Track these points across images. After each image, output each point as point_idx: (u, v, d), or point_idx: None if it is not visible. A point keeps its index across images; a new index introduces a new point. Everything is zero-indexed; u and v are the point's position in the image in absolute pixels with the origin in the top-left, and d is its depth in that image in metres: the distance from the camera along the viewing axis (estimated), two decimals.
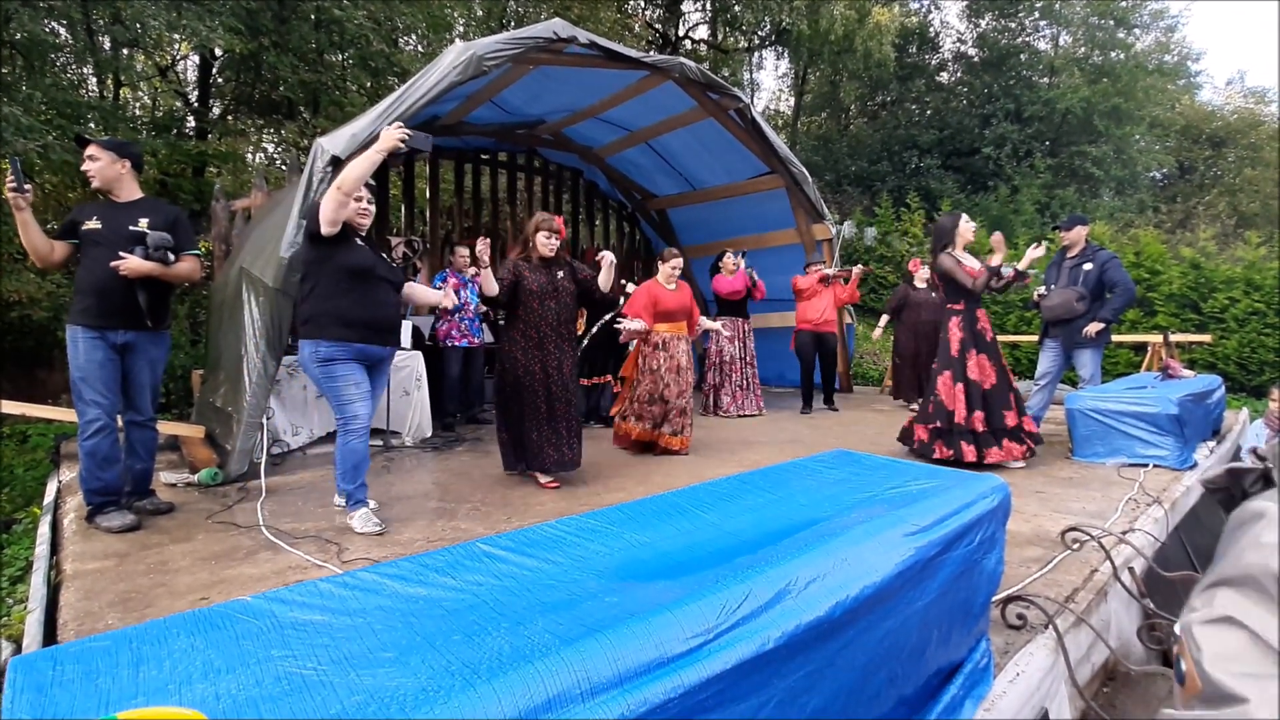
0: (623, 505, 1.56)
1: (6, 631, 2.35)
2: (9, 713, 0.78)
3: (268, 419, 4.06)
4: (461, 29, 11.51)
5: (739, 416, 6.42)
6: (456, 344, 5.66)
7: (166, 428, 4.18)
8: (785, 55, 18.42)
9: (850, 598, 1.14)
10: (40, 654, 0.90)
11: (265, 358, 3.87)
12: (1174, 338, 7.04)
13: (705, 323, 5.85)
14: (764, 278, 6.93)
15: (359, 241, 3.07)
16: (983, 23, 18.53)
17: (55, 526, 3.24)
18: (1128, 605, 2.50)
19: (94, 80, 8.89)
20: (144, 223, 3.06)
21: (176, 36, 7.98)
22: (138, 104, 10.38)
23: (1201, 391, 4.63)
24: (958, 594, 1.49)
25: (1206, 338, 8.26)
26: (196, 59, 9.99)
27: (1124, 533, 2.78)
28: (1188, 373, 5.32)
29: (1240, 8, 36.50)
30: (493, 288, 3.62)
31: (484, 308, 5.93)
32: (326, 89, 8.96)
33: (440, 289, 5.70)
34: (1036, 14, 17.68)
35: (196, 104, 10.01)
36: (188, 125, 9.74)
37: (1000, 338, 5.60)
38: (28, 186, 2.77)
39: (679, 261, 4.84)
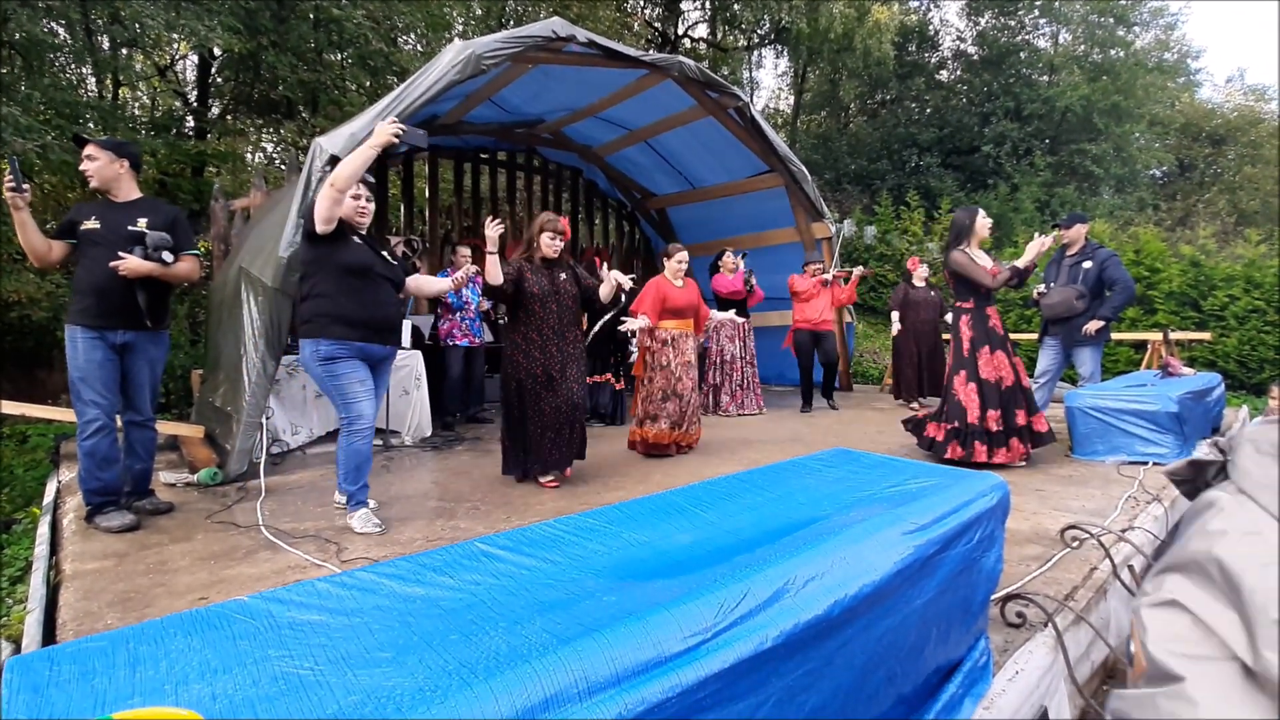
0: (621, 504, 1.56)
1: (6, 632, 2.35)
2: (6, 713, 0.78)
3: (267, 419, 4.06)
4: (460, 28, 11.50)
5: (739, 415, 6.42)
6: (458, 343, 5.65)
7: (166, 428, 4.18)
8: (784, 54, 18.40)
9: (849, 596, 1.14)
10: (37, 654, 0.90)
11: (264, 357, 3.87)
12: (1174, 335, 7.04)
13: (718, 315, 5.83)
14: (763, 276, 6.93)
15: (357, 240, 3.05)
16: (982, 21, 18.51)
17: (55, 526, 3.24)
18: (1127, 603, 2.50)
19: (93, 80, 8.88)
20: (143, 223, 3.06)
21: (175, 36, 7.96)
22: (136, 104, 10.37)
23: (1201, 389, 4.63)
24: (957, 592, 1.49)
25: (1206, 335, 8.25)
26: (195, 59, 9.98)
27: (1124, 530, 2.78)
28: (1187, 370, 5.32)
29: (1240, 6, 36.45)
30: (497, 276, 3.53)
31: (485, 306, 5.93)
32: (325, 88, 8.95)
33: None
34: (1036, 12, 17.66)
35: (195, 104, 10.00)
36: (187, 125, 9.73)
37: None
38: (26, 186, 2.77)
39: (684, 255, 4.76)
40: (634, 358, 7.42)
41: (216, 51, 8.86)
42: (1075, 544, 2.57)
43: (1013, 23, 18.07)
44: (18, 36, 6.11)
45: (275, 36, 8.16)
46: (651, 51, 6.97)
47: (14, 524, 3.92)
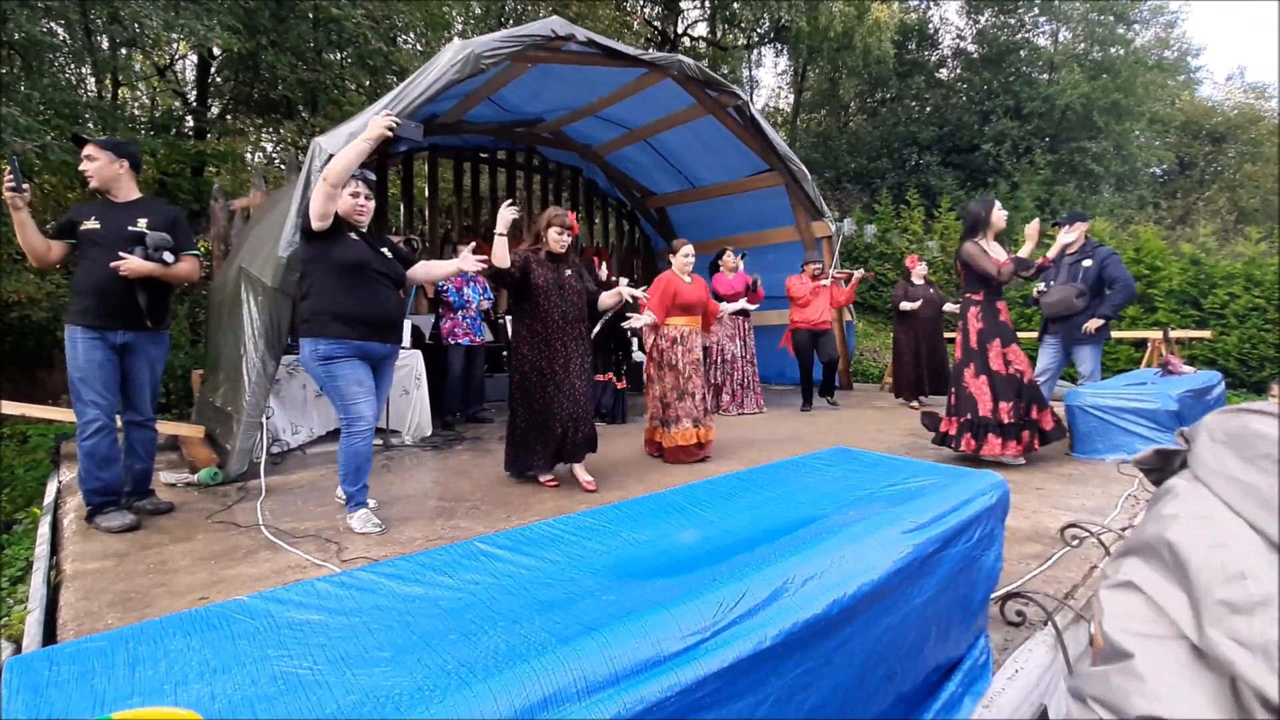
0: (620, 504, 1.56)
1: (6, 632, 2.35)
2: (5, 713, 0.78)
3: (267, 418, 4.06)
4: (460, 27, 11.49)
5: (739, 415, 6.42)
6: (459, 341, 5.65)
7: (166, 428, 4.18)
8: (784, 52, 18.38)
9: (848, 595, 1.14)
10: (36, 654, 0.90)
11: (264, 357, 3.87)
12: (1174, 334, 7.03)
13: (728, 307, 5.77)
14: (763, 274, 6.93)
15: (354, 237, 3.01)
16: (982, 19, 18.49)
17: (55, 527, 3.24)
18: None
19: (92, 80, 8.87)
20: (143, 223, 3.06)
21: (174, 36, 7.96)
22: (136, 104, 10.37)
23: (1201, 388, 4.63)
24: (956, 591, 1.49)
25: (1206, 334, 8.25)
26: (195, 58, 9.98)
27: (1123, 529, 2.78)
28: (1188, 369, 5.31)
29: (1240, 4, 36.41)
30: (504, 259, 3.43)
31: (485, 306, 5.93)
32: (325, 88, 8.95)
33: (442, 286, 5.73)
34: (1036, 10, 17.64)
35: (195, 103, 10.00)
36: (186, 125, 9.73)
37: None
38: (25, 186, 2.77)
39: (690, 248, 4.64)
40: (636, 355, 7.44)
41: (216, 51, 8.86)
42: (1075, 542, 2.57)
43: (1012, 21, 18.06)
44: (17, 36, 6.11)
45: (274, 36, 8.16)
46: (651, 50, 6.97)
47: (15, 524, 3.92)
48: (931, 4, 19.28)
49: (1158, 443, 3.25)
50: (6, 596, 2.82)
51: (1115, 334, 7.68)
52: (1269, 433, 0.42)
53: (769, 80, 31.28)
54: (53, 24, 6.96)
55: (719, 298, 6.53)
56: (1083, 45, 17.47)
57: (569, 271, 3.75)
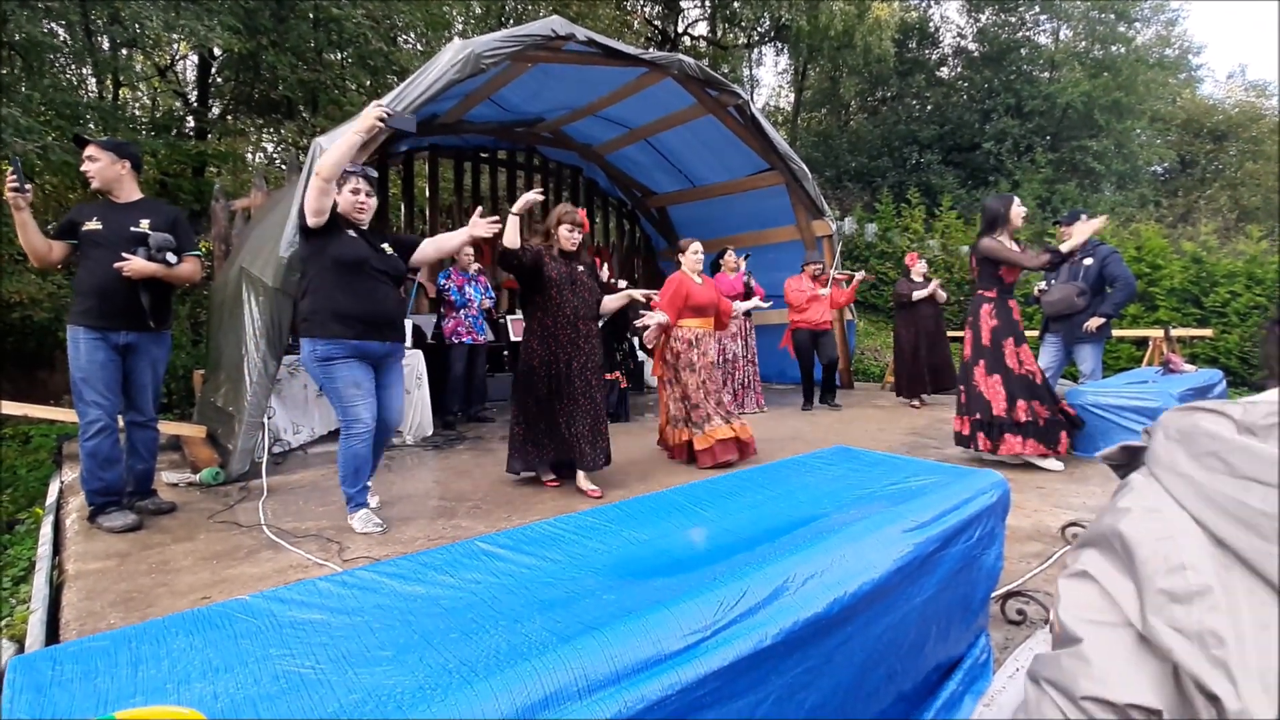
0: (621, 503, 1.56)
1: (9, 631, 2.36)
2: (8, 713, 0.78)
3: (269, 418, 4.07)
4: (460, 27, 11.50)
5: (740, 414, 6.41)
6: (463, 340, 5.66)
7: (168, 428, 4.18)
8: (785, 51, 18.37)
9: (848, 594, 1.14)
10: (39, 654, 0.91)
11: (265, 357, 3.88)
12: (1175, 332, 7.03)
13: (741, 305, 5.69)
14: (764, 274, 6.92)
15: (352, 234, 2.96)
16: (983, 17, 18.48)
17: (58, 527, 3.25)
18: None
19: (93, 80, 8.89)
20: (145, 224, 3.06)
21: (175, 36, 7.97)
22: (137, 104, 10.37)
23: (1203, 386, 4.62)
24: (957, 590, 1.49)
25: (1208, 332, 8.24)
26: (195, 59, 9.99)
27: None
28: (1189, 367, 5.31)
29: (1241, 2, 36.34)
30: (515, 240, 3.33)
31: (487, 305, 5.94)
32: (325, 88, 8.95)
33: (444, 285, 5.74)
34: (1036, 8, 17.63)
35: (196, 104, 10.01)
36: (187, 125, 9.74)
37: None
38: (28, 187, 2.77)
39: (699, 246, 4.53)
40: (639, 354, 7.43)
41: (216, 51, 8.87)
42: (1076, 541, 2.57)
43: (1013, 19, 18.05)
44: (17, 37, 6.11)
45: (275, 36, 8.16)
46: (651, 50, 6.97)
47: (17, 524, 3.93)
48: (932, 2, 19.29)
49: None
50: (9, 596, 2.82)
51: (1116, 332, 7.67)
52: (1216, 431, 0.44)
53: (769, 79, 31.28)
54: (53, 25, 6.96)
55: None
56: (1084, 43, 17.46)
57: (581, 268, 3.70)
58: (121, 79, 8.54)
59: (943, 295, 6.82)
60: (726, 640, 0.96)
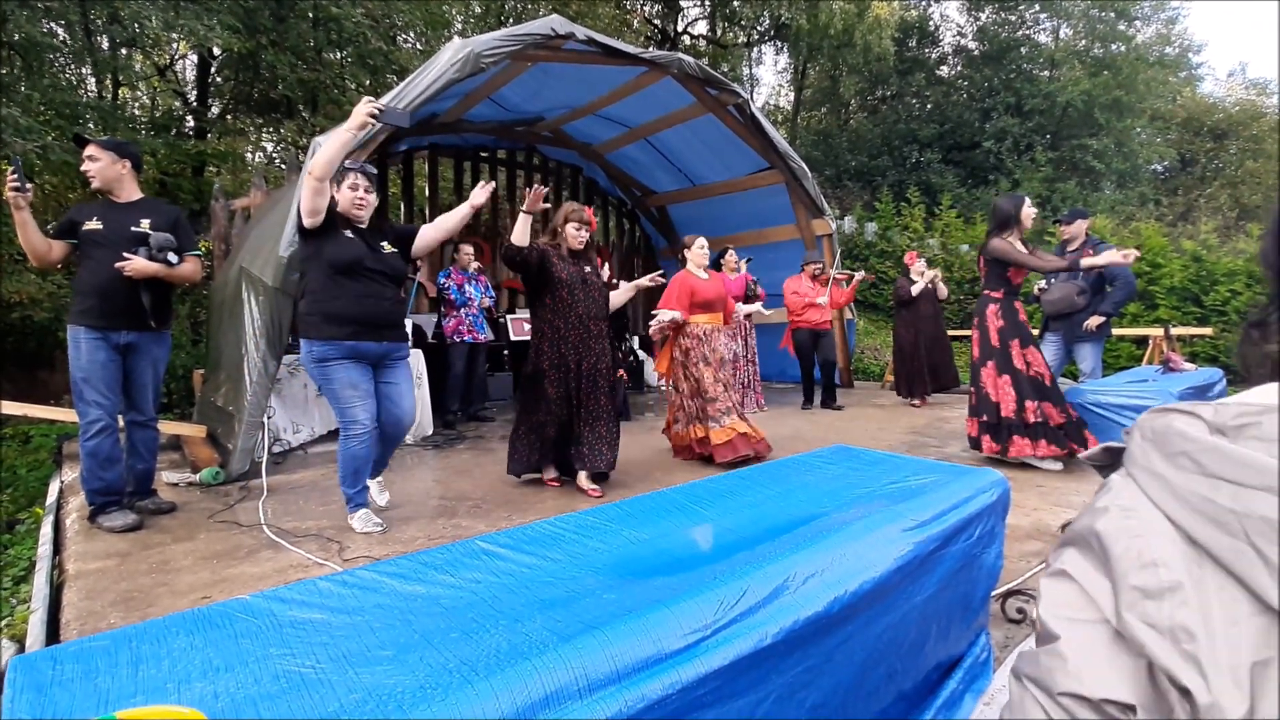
0: (621, 502, 1.56)
1: (10, 631, 2.36)
2: (9, 712, 0.78)
3: (269, 418, 4.07)
4: (459, 26, 11.50)
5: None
6: (464, 339, 5.65)
7: (168, 427, 4.18)
8: (784, 50, 18.36)
9: (849, 593, 1.14)
10: (40, 654, 0.91)
11: (265, 357, 3.88)
12: (1175, 331, 7.03)
13: (744, 308, 5.64)
14: (764, 273, 6.91)
15: (349, 234, 2.92)
16: (983, 16, 18.47)
17: (58, 526, 3.25)
18: None
19: (92, 80, 8.88)
20: (146, 223, 3.06)
21: (174, 36, 7.96)
22: (136, 104, 10.37)
23: (1203, 385, 4.62)
24: (957, 589, 1.49)
25: (1208, 331, 8.23)
26: (195, 58, 9.99)
27: None
28: (1189, 366, 5.31)
29: (1241, 1, 36.30)
30: (524, 238, 3.28)
31: (487, 304, 5.94)
32: (325, 87, 8.95)
33: (444, 284, 5.74)
34: (1037, 7, 17.62)
35: (195, 103, 10.00)
36: (187, 125, 9.73)
37: None
38: (28, 186, 2.77)
39: (704, 240, 4.49)
40: (639, 353, 7.42)
41: (216, 51, 8.86)
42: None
43: (1013, 18, 18.04)
44: (17, 37, 6.11)
45: (274, 35, 8.16)
46: (651, 49, 6.97)
47: (17, 524, 3.93)
48: (932, 1, 19.28)
49: None
50: (9, 596, 2.83)
51: (1116, 331, 7.67)
52: (1188, 431, 0.45)
53: (769, 78, 31.27)
54: (53, 24, 6.96)
55: None
56: (1084, 42, 17.45)
57: (589, 268, 3.65)
58: (121, 79, 8.54)
59: (944, 290, 6.81)
60: (727, 639, 0.96)
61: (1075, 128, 16.40)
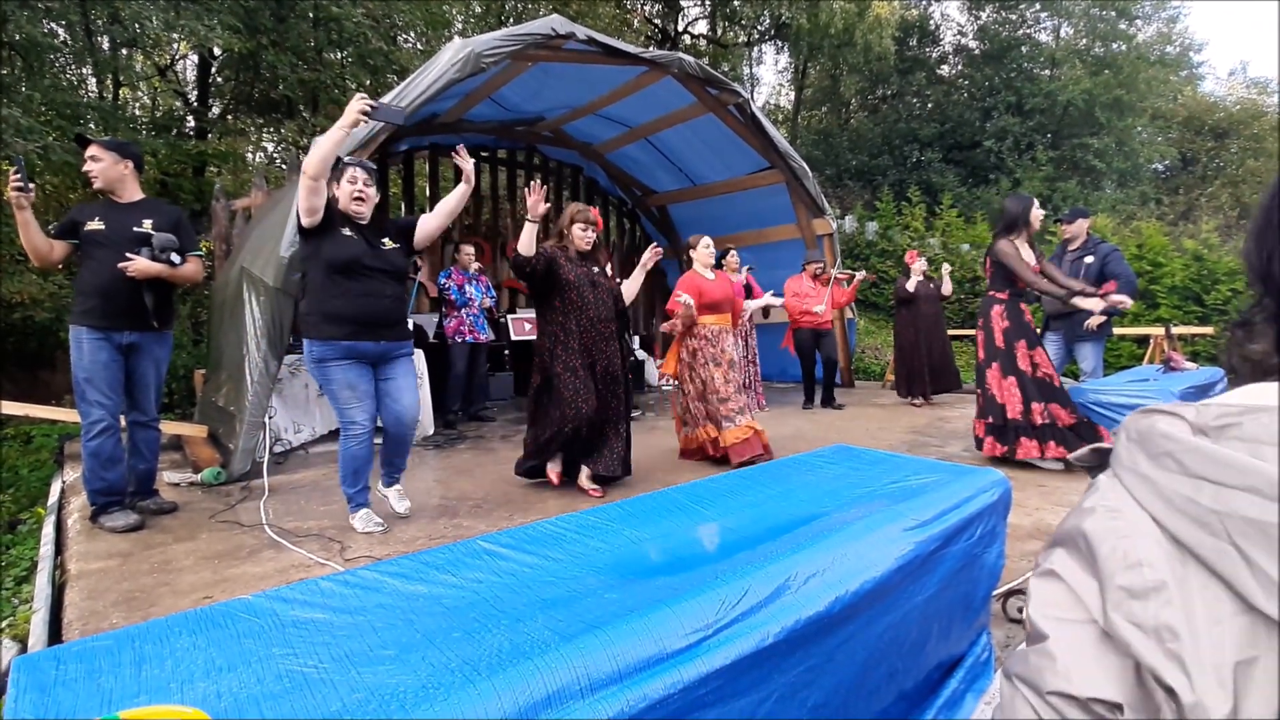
0: (623, 502, 1.56)
1: (12, 631, 2.36)
2: (12, 712, 0.79)
3: (270, 418, 4.07)
4: (460, 26, 11.50)
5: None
6: (466, 339, 5.66)
7: (169, 427, 4.19)
8: (785, 50, 18.35)
9: (850, 593, 1.14)
10: (43, 653, 0.91)
11: (266, 357, 3.88)
12: (1176, 330, 7.02)
13: (752, 304, 5.52)
14: (765, 273, 6.90)
15: (348, 232, 2.89)
16: (983, 15, 18.46)
17: (60, 527, 3.25)
18: None
19: (93, 80, 8.89)
20: (148, 224, 3.06)
21: (175, 36, 7.97)
22: (137, 104, 10.38)
23: (1204, 384, 4.61)
24: (958, 588, 1.49)
25: (1209, 330, 8.23)
26: (195, 58, 9.99)
27: None
28: (1190, 365, 5.30)
29: (1241, 0, 36.25)
30: (530, 246, 3.24)
31: (487, 304, 5.94)
32: (325, 87, 8.95)
33: (444, 285, 5.74)
34: (1037, 6, 17.62)
35: (196, 104, 10.01)
36: (187, 125, 9.74)
37: None
38: (30, 186, 2.77)
39: (709, 240, 4.43)
40: (639, 352, 7.42)
41: (216, 51, 8.87)
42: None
43: (1014, 17, 18.03)
44: (18, 37, 6.12)
45: (275, 35, 8.16)
46: (651, 48, 6.97)
47: (19, 524, 3.94)
48: (932, 0, 19.26)
49: None
50: (12, 596, 2.83)
51: (1117, 330, 7.67)
52: (1171, 432, 0.45)
53: (770, 77, 31.25)
54: (53, 25, 6.96)
55: None
56: (1084, 41, 17.44)
57: (596, 269, 3.61)
58: (121, 79, 8.54)
59: (949, 287, 6.79)
60: (728, 639, 0.96)
61: (1076, 127, 16.39)
